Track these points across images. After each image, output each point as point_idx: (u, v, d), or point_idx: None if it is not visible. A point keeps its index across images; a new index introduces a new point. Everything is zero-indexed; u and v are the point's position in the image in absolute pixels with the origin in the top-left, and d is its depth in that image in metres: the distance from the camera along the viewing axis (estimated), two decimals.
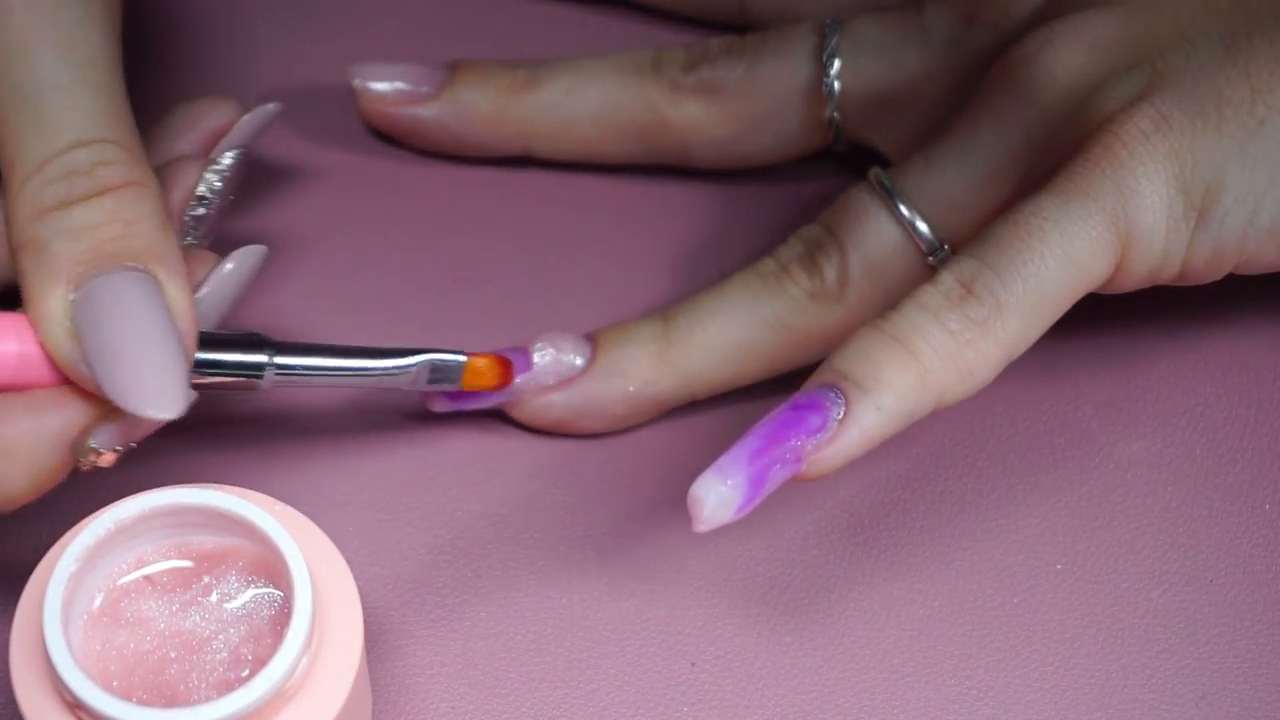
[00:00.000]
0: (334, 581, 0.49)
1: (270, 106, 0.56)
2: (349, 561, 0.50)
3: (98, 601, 0.49)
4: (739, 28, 0.62)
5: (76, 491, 0.55)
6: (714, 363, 0.56)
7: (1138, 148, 0.52)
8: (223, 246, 0.53)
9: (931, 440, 0.57)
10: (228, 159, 0.54)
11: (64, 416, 0.48)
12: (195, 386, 0.49)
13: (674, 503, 0.56)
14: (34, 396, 0.48)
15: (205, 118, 0.55)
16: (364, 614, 0.49)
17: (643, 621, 0.54)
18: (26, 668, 0.48)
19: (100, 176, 0.48)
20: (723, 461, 0.50)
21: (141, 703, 0.47)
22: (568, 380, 0.56)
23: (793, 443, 0.50)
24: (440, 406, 0.56)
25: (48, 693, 0.47)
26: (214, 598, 0.49)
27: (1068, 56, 0.54)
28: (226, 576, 0.49)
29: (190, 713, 0.46)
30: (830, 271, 0.55)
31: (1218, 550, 0.55)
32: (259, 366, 0.51)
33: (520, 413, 0.56)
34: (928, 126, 0.57)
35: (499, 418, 0.57)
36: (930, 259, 0.55)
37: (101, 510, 0.49)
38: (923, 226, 0.55)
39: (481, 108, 0.60)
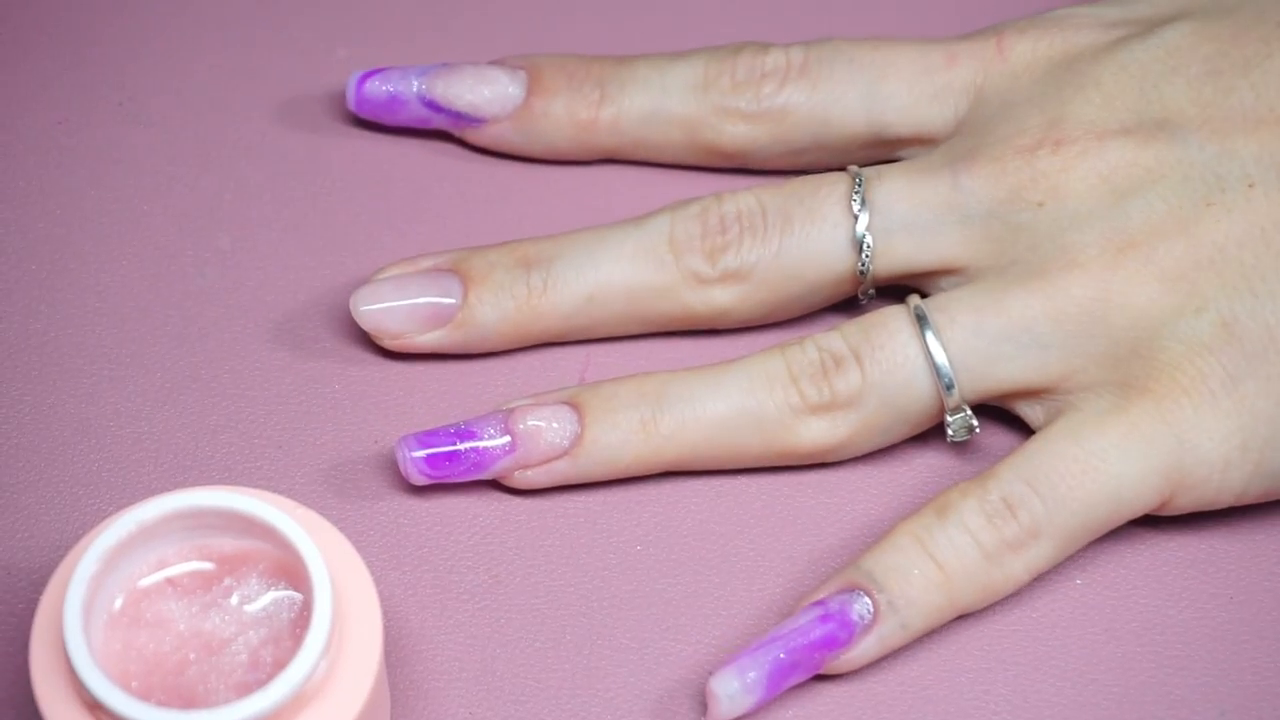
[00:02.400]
0: (354, 585, 0.50)
1: None
2: (369, 565, 0.50)
3: (118, 603, 0.49)
4: None
5: (98, 492, 0.56)
6: (696, 457, 0.55)
7: (1204, 405, 0.53)
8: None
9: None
10: None
11: None
12: None
13: (696, 510, 0.56)
14: None
15: None
16: (383, 618, 0.49)
17: (662, 630, 0.54)
18: (47, 668, 0.48)
19: None
20: (744, 661, 0.52)
21: (160, 704, 0.47)
22: (552, 458, 0.55)
23: (815, 656, 0.52)
24: (418, 479, 0.55)
25: (68, 693, 0.47)
26: (234, 600, 0.49)
27: (1138, 288, 0.54)
28: (247, 579, 0.49)
29: (209, 714, 0.46)
30: (843, 390, 0.55)
31: (1238, 567, 0.55)
32: None
33: (507, 483, 0.56)
34: (968, 282, 0.55)
35: None
36: (948, 416, 0.55)
37: (123, 511, 0.49)
38: (953, 390, 0.54)
39: (501, 329, 0.57)
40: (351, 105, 0.61)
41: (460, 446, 0.55)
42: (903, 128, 0.58)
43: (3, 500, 0.55)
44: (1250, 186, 0.54)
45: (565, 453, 0.55)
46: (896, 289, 0.57)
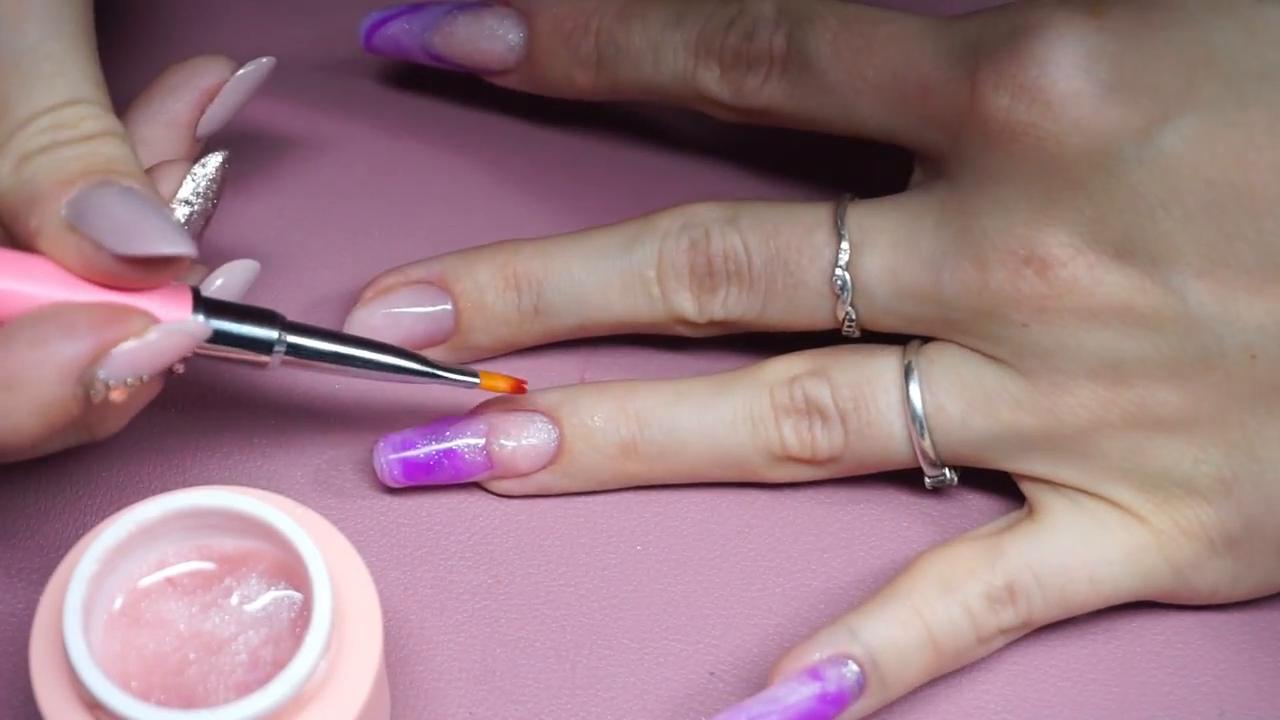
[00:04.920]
0: (354, 585, 0.50)
1: (264, 61, 0.56)
2: (369, 565, 0.50)
3: (118, 603, 0.49)
4: None
5: (98, 492, 0.56)
6: (672, 478, 0.56)
7: (1202, 553, 0.53)
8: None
9: None
10: (213, 161, 0.53)
11: (70, 347, 0.47)
12: (203, 357, 0.49)
13: (696, 511, 0.56)
14: (37, 329, 0.47)
15: (198, 77, 0.55)
16: (383, 618, 0.49)
17: (662, 630, 0.54)
18: (47, 667, 0.48)
19: (83, 127, 0.48)
20: None
21: (160, 704, 0.47)
22: (529, 473, 0.56)
23: None
24: (393, 484, 0.56)
25: (67, 693, 0.47)
26: (234, 600, 0.49)
27: (1133, 428, 0.52)
28: (247, 579, 0.49)
29: (208, 714, 0.46)
30: (824, 449, 0.55)
31: None
32: (268, 343, 0.51)
33: (488, 488, 0.57)
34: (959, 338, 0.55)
35: None
36: (926, 475, 0.55)
37: (123, 511, 0.49)
38: (930, 452, 0.54)
39: (494, 349, 0.58)
40: (364, 48, 0.62)
41: (437, 453, 0.55)
42: (884, 139, 0.57)
43: (3, 500, 0.55)
44: (1252, 358, 0.51)
45: (543, 468, 0.56)
46: None
